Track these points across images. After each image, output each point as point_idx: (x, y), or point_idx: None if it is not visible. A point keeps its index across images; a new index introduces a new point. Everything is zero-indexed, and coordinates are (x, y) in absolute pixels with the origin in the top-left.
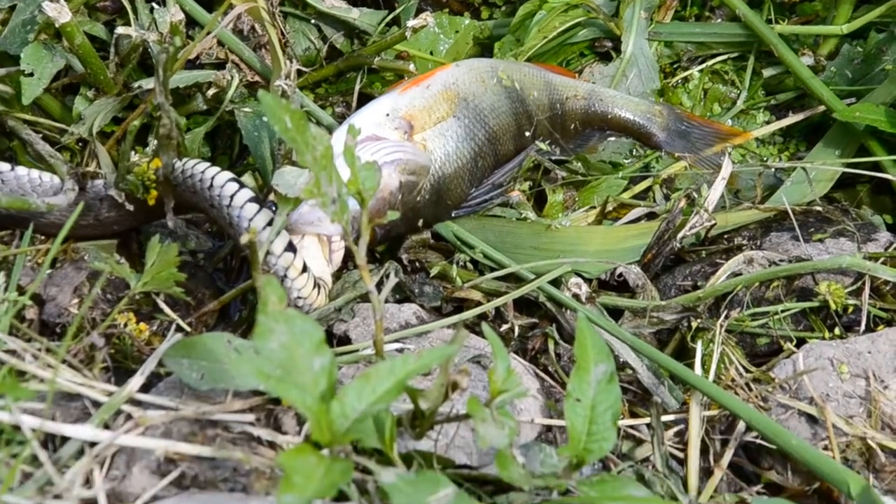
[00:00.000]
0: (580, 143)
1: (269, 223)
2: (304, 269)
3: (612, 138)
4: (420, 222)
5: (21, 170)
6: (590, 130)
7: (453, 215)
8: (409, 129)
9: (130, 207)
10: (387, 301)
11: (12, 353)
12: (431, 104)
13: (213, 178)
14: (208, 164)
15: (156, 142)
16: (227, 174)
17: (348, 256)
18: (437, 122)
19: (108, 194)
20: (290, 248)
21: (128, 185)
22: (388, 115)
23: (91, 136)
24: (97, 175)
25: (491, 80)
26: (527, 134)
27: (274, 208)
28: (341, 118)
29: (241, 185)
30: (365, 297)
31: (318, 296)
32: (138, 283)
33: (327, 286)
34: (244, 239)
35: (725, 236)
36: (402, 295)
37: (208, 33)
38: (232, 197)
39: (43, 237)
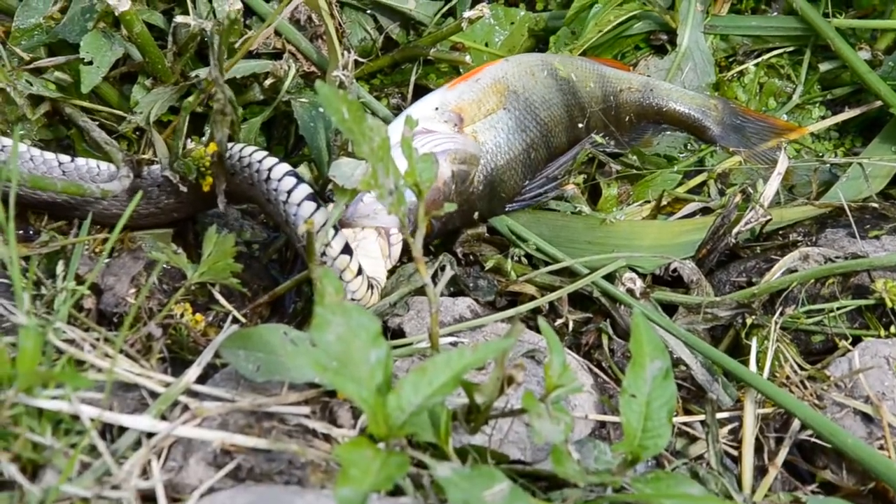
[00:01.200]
0: (635, 136)
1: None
2: (360, 271)
3: (668, 132)
4: (475, 215)
5: (80, 160)
6: (644, 123)
7: (507, 209)
8: (458, 122)
9: (184, 189)
10: (441, 294)
11: (71, 342)
12: (481, 97)
13: (270, 171)
14: (266, 153)
15: (211, 124)
16: (285, 167)
17: (406, 250)
18: (487, 115)
19: (164, 177)
20: (347, 250)
21: (182, 167)
22: (437, 108)
23: (148, 124)
24: (152, 162)
25: (541, 73)
26: (580, 126)
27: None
28: (397, 109)
29: (300, 181)
30: (419, 291)
31: (371, 296)
32: (195, 274)
33: (380, 285)
34: (301, 230)
35: (780, 232)
36: (456, 288)
37: (269, 25)
38: (289, 193)
39: (99, 226)
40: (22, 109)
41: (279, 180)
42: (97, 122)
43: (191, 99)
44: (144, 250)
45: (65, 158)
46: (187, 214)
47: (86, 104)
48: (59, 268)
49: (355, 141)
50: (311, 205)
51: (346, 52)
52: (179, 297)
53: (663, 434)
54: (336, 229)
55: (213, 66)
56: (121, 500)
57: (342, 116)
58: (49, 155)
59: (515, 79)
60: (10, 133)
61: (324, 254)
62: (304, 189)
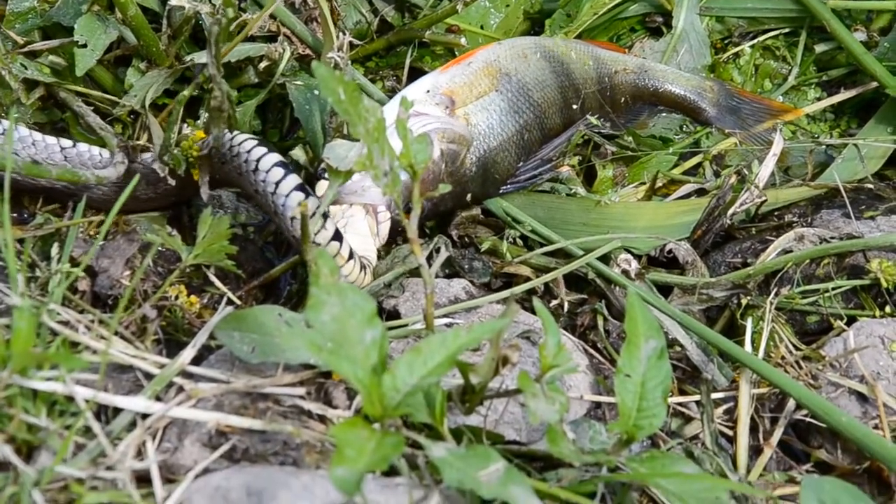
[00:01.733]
0: (630, 117)
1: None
2: (351, 255)
3: (663, 114)
4: (468, 197)
5: (82, 146)
6: (640, 105)
7: (502, 191)
8: (450, 105)
9: (172, 182)
10: (436, 276)
11: (65, 324)
12: (472, 80)
13: (258, 161)
14: (256, 141)
15: (207, 115)
16: (275, 157)
17: (395, 229)
18: (479, 97)
19: (152, 169)
20: (337, 236)
21: (172, 159)
22: (428, 91)
23: (143, 108)
24: (147, 149)
25: (534, 56)
26: (574, 107)
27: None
28: (392, 92)
29: (287, 172)
30: (414, 273)
31: (364, 277)
32: (190, 256)
33: (372, 264)
34: (293, 213)
35: (776, 213)
36: (451, 270)
37: (267, 10)
38: (277, 184)
39: (95, 210)
40: (17, 94)
41: (267, 171)
42: (92, 107)
43: (185, 92)
44: (139, 233)
45: (66, 143)
46: (184, 198)
47: (80, 88)
48: (54, 250)
49: (351, 122)
50: (299, 195)
51: (341, 34)
52: (174, 280)
53: (658, 414)
54: (325, 217)
55: (211, 64)
56: (115, 480)
57: (338, 98)
58: (50, 139)
59: (508, 61)
60: (6, 117)
61: (314, 243)
62: (293, 180)
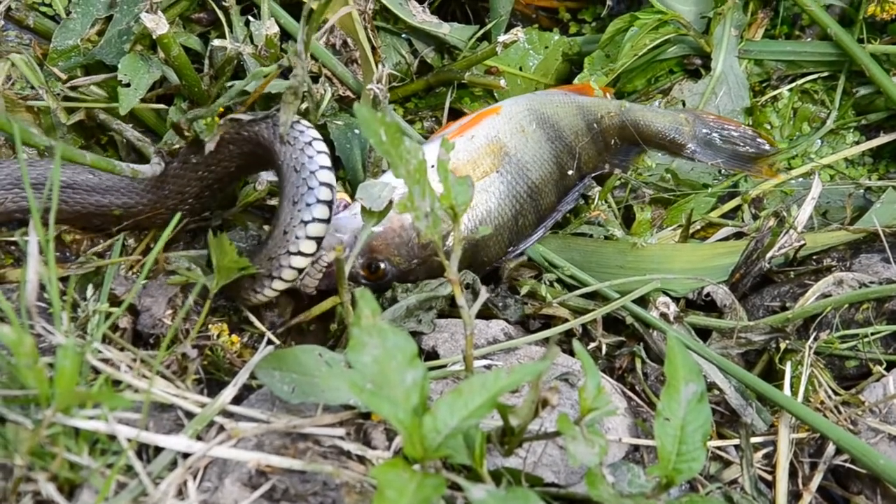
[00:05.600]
0: (621, 158)
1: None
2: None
3: (659, 153)
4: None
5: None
6: (627, 145)
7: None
8: None
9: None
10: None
11: (107, 362)
12: (475, 158)
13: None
14: (328, 159)
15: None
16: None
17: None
18: (482, 177)
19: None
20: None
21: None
22: (432, 167)
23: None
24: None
25: (530, 127)
26: (570, 173)
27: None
28: (430, 133)
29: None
30: (451, 314)
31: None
32: (214, 284)
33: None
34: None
35: (814, 257)
36: (484, 309)
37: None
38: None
39: (132, 235)
40: (56, 115)
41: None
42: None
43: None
44: (172, 266)
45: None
46: (209, 204)
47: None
48: (91, 290)
49: (392, 163)
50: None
51: (381, 66)
52: (209, 314)
53: (698, 458)
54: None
55: (301, 41)
56: None
57: (379, 139)
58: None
59: (508, 137)
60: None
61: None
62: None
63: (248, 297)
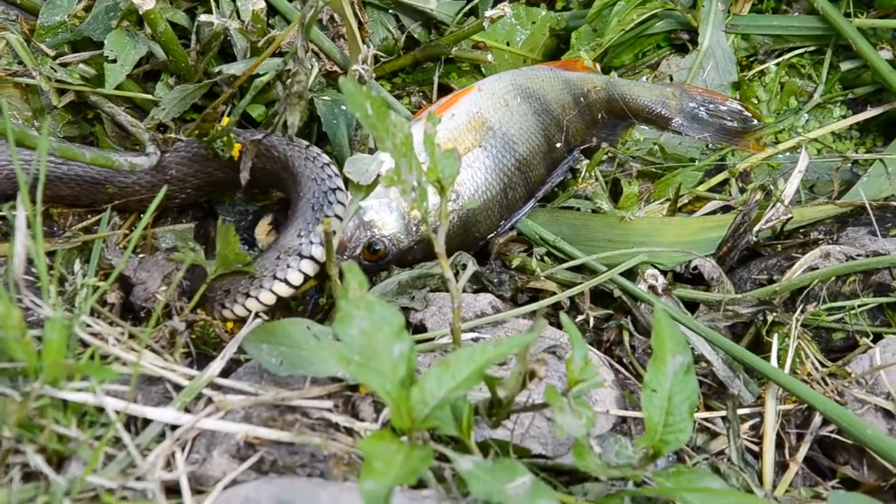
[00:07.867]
0: (608, 132)
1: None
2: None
3: (644, 126)
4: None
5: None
6: (614, 119)
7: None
8: None
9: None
10: (463, 291)
11: (96, 335)
12: (456, 136)
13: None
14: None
15: (284, 97)
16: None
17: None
18: (464, 153)
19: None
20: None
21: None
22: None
23: (172, 121)
24: (178, 140)
25: (514, 101)
26: (559, 146)
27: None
28: (417, 107)
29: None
30: (440, 287)
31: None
32: (212, 270)
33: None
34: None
35: (801, 230)
36: (478, 285)
37: (297, 25)
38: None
39: (123, 214)
40: (47, 97)
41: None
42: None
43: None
44: (163, 244)
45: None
46: (210, 193)
47: (113, 92)
48: (79, 264)
49: (378, 137)
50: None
51: (365, 48)
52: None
53: (684, 429)
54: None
55: (301, 47)
56: (145, 491)
57: (366, 112)
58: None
59: (491, 112)
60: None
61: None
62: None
63: (253, 295)
